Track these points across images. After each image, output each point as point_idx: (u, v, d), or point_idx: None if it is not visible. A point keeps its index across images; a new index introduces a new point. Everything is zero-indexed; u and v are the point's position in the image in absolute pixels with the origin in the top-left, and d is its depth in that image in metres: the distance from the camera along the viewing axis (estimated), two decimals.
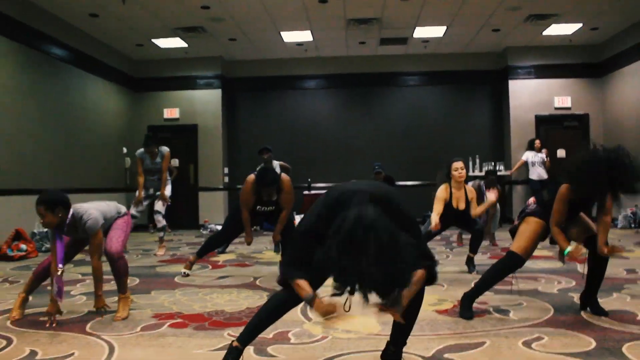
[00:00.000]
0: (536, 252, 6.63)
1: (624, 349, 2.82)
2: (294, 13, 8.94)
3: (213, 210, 11.50)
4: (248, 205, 5.07)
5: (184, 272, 5.40)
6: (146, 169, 7.21)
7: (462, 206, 5.30)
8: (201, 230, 10.97)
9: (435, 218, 5.07)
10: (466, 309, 3.63)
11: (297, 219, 10.59)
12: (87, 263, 6.39)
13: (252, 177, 4.99)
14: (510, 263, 3.62)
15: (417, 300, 2.44)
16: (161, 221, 7.20)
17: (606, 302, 3.89)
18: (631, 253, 6.52)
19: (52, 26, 8.56)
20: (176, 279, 5.27)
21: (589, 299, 3.66)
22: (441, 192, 5.27)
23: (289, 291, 2.42)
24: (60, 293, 3.58)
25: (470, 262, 5.43)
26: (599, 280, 3.61)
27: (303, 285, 2.33)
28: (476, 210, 5.34)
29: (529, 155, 10.46)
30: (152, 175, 7.26)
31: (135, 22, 9.17)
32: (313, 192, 11.22)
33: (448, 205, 5.24)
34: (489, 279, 3.68)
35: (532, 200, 3.74)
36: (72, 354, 2.95)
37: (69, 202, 3.65)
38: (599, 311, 3.55)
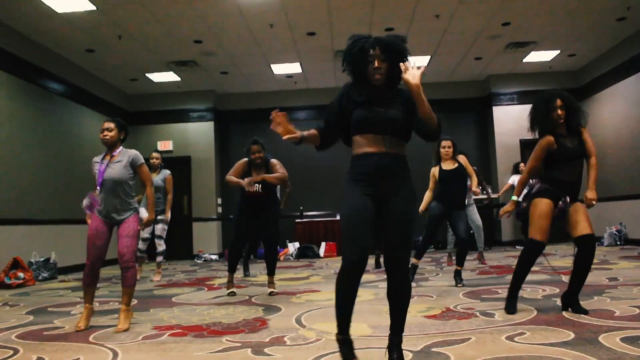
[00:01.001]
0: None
1: (600, 338, 3.00)
2: (283, 46, 9.29)
3: (207, 240, 11.63)
4: (229, 175, 5.49)
5: (231, 292, 5.54)
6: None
7: (450, 167, 5.82)
8: (195, 260, 11.08)
9: (427, 194, 5.97)
10: (510, 304, 3.93)
11: (290, 246, 10.75)
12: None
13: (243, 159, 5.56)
14: (531, 250, 3.88)
15: (406, 289, 2.64)
16: (162, 245, 7.25)
17: (587, 304, 4.07)
18: (615, 265, 6.72)
19: (50, 61, 8.85)
20: (174, 299, 5.40)
21: (570, 299, 3.83)
22: (432, 171, 5.95)
23: (348, 272, 2.54)
24: (91, 207, 4.05)
25: (457, 275, 5.61)
26: (581, 280, 3.79)
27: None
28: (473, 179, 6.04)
29: (515, 179, 10.72)
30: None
31: (129, 57, 9.48)
32: (305, 219, 11.40)
33: (440, 170, 5.85)
34: (519, 270, 3.97)
35: (568, 199, 3.79)
36: (78, 359, 3.09)
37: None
38: (580, 310, 3.73)
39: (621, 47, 9.74)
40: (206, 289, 6.25)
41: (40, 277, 7.58)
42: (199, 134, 11.90)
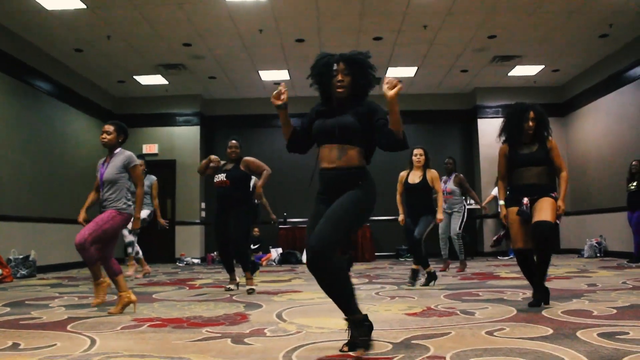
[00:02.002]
0: (504, 275, 6.91)
1: (577, 334, 3.04)
2: (271, 51, 9.34)
3: (190, 244, 11.57)
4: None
5: (228, 288, 5.69)
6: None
7: (415, 180, 5.97)
8: (177, 264, 11.00)
9: (398, 200, 6.15)
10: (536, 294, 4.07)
11: (273, 252, 10.72)
12: (64, 285, 6.44)
13: None
14: (518, 258, 4.19)
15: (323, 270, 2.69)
16: (128, 237, 7.15)
17: (565, 305, 4.12)
18: (594, 273, 6.80)
19: (38, 60, 8.81)
20: (154, 296, 5.35)
21: (536, 288, 4.07)
22: (400, 176, 6.13)
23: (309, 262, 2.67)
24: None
25: (413, 275, 5.73)
26: (543, 268, 4.05)
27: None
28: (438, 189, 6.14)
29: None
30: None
31: (118, 58, 9.46)
32: (288, 225, 11.39)
33: (405, 182, 6.00)
34: (525, 275, 4.24)
35: (525, 200, 4.06)
36: (55, 344, 3.05)
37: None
38: (546, 300, 4.03)
39: (603, 64, 9.95)
40: (187, 287, 6.21)
41: (18, 275, 7.47)
42: (184, 138, 11.88)
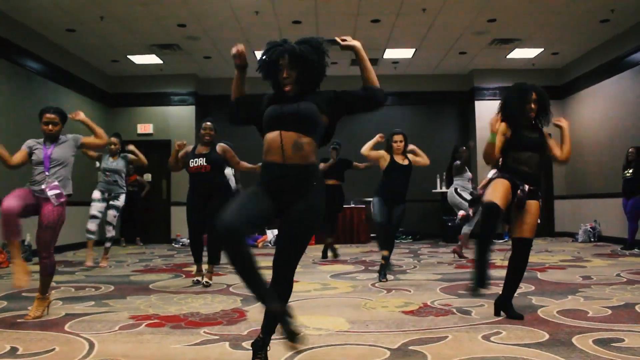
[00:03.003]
0: (499, 263, 6.93)
1: (573, 340, 3.06)
2: (268, 33, 9.18)
3: (185, 224, 11.48)
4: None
5: (196, 280, 5.50)
6: (104, 169, 7.09)
7: (405, 162, 5.81)
8: (173, 244, 11.01)
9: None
10: (479, 279, 3.59)
11: (269, 233, 10.73)
12: (60, 272, 6.43)
13: None
14: (486, 211, 3.66)
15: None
16: (111, 231, 7.19)
17: (561, 303, 4.16)
18: (589, 262, 6.84)
19: (29, 39, 8.64)
20: (151, 286, 5.36)
21: (504, 304, 3.74)
22: (382, 152, 5.86)
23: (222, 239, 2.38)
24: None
25: (384, 266, 5.59)
26: (514, 283, 3.77)
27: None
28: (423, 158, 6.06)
29: (493, 174, 10.81)
30: (107, 177, 7.11)
31: (111, 38, 9.30)
32: None
33: (392, 161, 5.77)
34: (479, 239, 3.72)
35: (527, 187, 3.74)
36: (53, 349, 3.05)
37: None
38: (514, 315, 3.65)
39: (603, 48, 9.86)
40: (184, 275, 6.22)
41: None
42: (179, 118, 11.77)
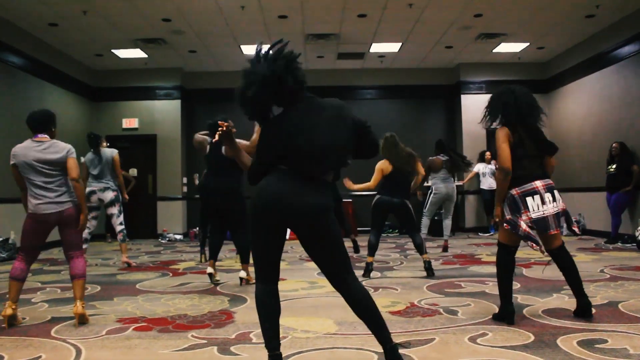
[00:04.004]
0: (485, 258, 7.01)
1: (558, 342, 3.10)
2: (254, 28, 9.13)
3: (172, 219, 11.51)
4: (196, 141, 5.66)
5: (212, 276, 5.38)
6: (93, 174, 6.87)
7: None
8: (159, 240, 10.97)
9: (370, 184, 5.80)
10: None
11: None
12: (46, 272, 6.38)
13: None
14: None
15: (368, 300, 2.59)
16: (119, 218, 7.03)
17: (546, 302, 4.21)
18: (573, 257, 6.90)
19: (10, 34, 8.49)
20: (138, 286, 5.34)
21: (582, 305, 3.66)
22: (381, 163, 5.81)
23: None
24: None
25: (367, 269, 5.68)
26: (575, 282, 3.70)
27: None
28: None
29: (480, 167, 10.90)
30: (95, 173, 6.88)
31: (95, 33, 9.18)
32: None
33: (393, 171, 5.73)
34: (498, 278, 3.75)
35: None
36: (39, 357, 3.03)
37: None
38: (586, 306, 3.64)
39: (588, 43, 9.92)
40: (171, 274, 6.19)
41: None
42: (165, 112, 11.67)
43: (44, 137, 3.94)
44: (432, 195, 7.69)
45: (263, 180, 2.51)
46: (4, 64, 8.38)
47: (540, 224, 3.50)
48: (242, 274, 5.29)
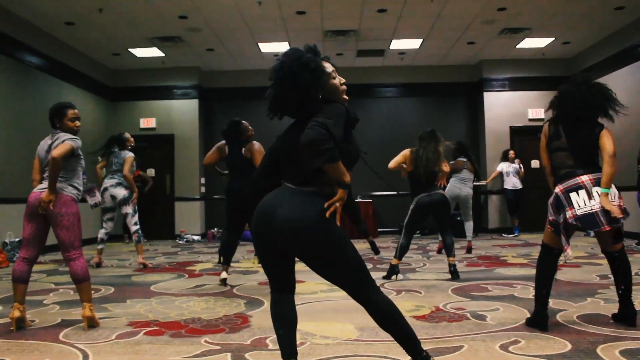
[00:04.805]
0: (512, 260, 6.75)
1: (598, 351, 2.87)
2: (272, 24, 8.98)
3: (190, 220, 11.40)
4: (207, 162, 5.63)
5: (224, 279, 5.25)
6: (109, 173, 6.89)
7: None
8: (177, 241, 10.86)
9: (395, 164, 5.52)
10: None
11: None
12: (61, 273, 6.28)
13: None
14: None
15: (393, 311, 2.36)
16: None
17: (580, 306, 3.96)
18: (604, 259, 6.61)
19: (27, 34, 8.45)
20: (152, 288, 5.19)
21: (625, 311, 3.42)
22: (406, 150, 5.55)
23: None
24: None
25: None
26: (627, 285, 3.42)
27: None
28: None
29: (503, 166, 10.61)
30: (110, 171, 6.92)
31: (112, 31, 9.10)
32: None
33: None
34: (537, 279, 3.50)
35: None
36: None
37: None
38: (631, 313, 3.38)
39: (617, 36, 9.57)
40: (187, 275, 6.05)
41: (14, 259, 7.30)
42: (183, 111, 11.57)
43: (56, 132, 3.83)
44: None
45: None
46: (21, 64, 8.33)
47: (586, 220, 3.18)
48: None
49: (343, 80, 2.41)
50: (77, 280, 3.64)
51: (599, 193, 3.20)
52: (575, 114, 3.37)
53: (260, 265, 6.12)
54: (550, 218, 3.38)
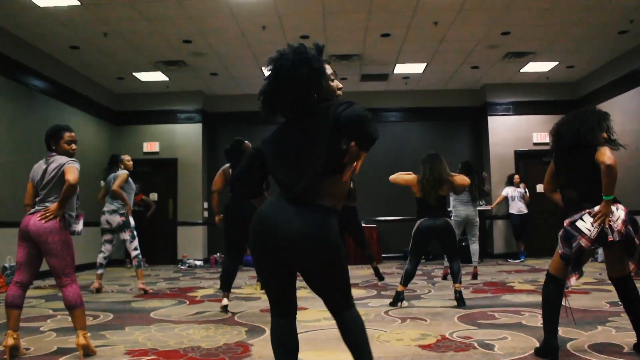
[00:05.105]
0: (518, 286, 6.62)
1: None
2: (275, 48, 8.94)
3: (192, 245, 11.30)
4: (217, 187, 5.46)
5: (225, 305, 5.14)
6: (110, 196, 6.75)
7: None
8: (179, 266, 10.75)
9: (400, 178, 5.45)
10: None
11: None
12: (59, 298, 6.16)
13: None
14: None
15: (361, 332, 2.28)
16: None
17: (591, 334, 3.84)
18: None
19: (32, 57, 8.49)
20: (152, 314, 5.09)
21: None
22: (413, 178, 5.43)
23: None
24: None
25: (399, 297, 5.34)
26: (633, 308, 3.32)
27: None
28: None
29: (508, 191, 10.52)
30: (109, 195, 6.75)
31: (116, 55, 9.15)
32: None
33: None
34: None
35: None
36: None
37: None
38: None
39: (621, 60, 9.56)
40: (188, 301, 5.94)
41: None
42: (186, 135, 11.57)
43: (51, 155, 3.79)
44: (452, 219, 7.38)
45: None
46: (25, 87, 8.36)
47: (599, 238, 3.11)
48: None
49: (340, 86, 2.36)
50: (70, 307, 3.54)
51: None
52: (567, 148, 3.32)
53: (262, 291, 6.05)
54: (560, 251, 3.29)
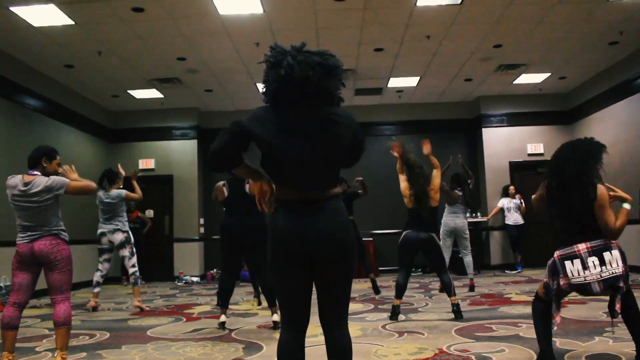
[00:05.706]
0: (515, 297, 6.62)
1: None
2: None
3: (188, 261, 11.26)
4: (223, 197, 5.37)
5: (222, 322, 5.13)
6: (104, 216, 6.75)
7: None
8: (176, 282, 10.71)
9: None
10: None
11: None
12: None
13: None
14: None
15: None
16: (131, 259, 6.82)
17: (588, 346, 3.84)
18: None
19: (26, 77, 8.52)
20: (149, 332, 5.06)
21: None
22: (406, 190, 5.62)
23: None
24: None
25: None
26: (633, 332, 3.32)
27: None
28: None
29: (504, 202, 10.55)
30: (105, 215, 6.78)
31: (111, 73, 9.18)
32: None
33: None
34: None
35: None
36: None
37: None
38: None
39: (613, 71, 9.65)
40: (184, 319, 5.91)
41: None
42: (181, 152, 11.59)
43: (31, 173, 3.99)
44: (441, 230, 7.44)
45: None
46: (20, 106, 8.37)
47: (581, 289, 3.19)
48: (276, 317, 5.00)
49: None
50: (57, 323, 3.55)
51: (595, 264, 3.12)
52: (562, 182, 3.34)
53: (260, 307, 6.05)
54: (545, 280, 3.32)
